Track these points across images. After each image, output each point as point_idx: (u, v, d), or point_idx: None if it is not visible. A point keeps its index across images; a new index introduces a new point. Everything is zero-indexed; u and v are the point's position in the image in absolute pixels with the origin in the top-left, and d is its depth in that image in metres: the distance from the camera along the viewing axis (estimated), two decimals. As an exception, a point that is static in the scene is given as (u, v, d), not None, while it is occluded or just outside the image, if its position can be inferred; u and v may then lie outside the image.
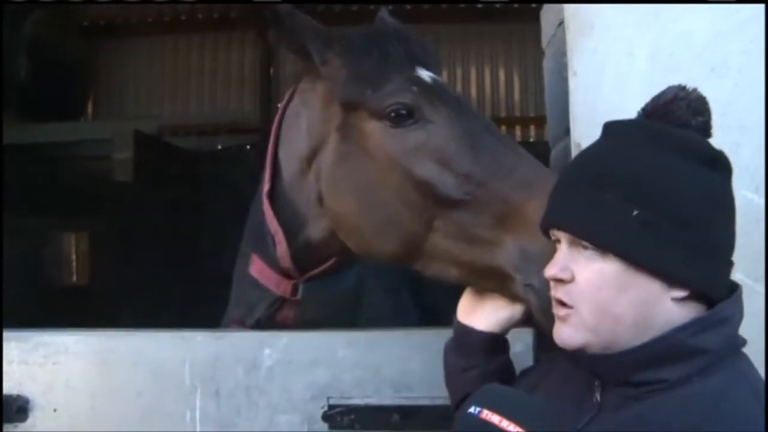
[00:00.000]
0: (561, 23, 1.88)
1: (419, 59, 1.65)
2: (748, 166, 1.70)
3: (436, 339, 1.75)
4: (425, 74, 1.61)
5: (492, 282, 1.46)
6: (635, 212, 1.06)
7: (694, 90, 1.16)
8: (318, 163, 1.68)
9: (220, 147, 8.53)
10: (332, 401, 1.78)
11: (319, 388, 1.79)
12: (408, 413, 1.74)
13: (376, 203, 1.56)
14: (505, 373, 1.49)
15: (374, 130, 1.56)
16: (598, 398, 1.15)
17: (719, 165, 1.11)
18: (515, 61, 8.09)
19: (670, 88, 1.17)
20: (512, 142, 1.57)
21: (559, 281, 1.14)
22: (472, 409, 1.05)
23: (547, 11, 2.14)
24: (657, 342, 1.07)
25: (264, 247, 1.83)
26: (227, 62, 8.49)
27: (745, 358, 1.12)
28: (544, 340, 1.78)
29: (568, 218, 1.14)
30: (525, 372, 1.52)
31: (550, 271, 1.15)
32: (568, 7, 1.83)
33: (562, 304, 1.14)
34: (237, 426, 1.82)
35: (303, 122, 1.73)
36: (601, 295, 1.09)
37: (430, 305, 2.26)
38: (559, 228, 1.16)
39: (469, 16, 7.77)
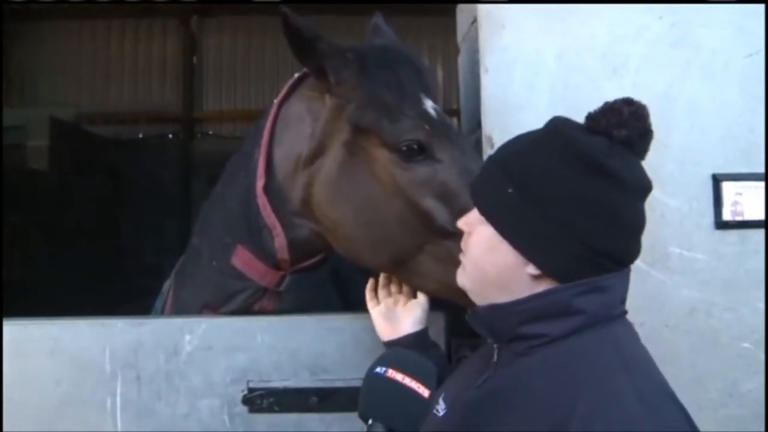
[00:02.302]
0: (474, 21, 1.97)
1: (426, 88, 1.74)
2: (647, 160, 1.83)
3: (350, 323, 1.83)
4: (431, 107, 1.70)
5: (463, 300, 1.57)
6: (509, 190, 1.20)
7: (635, 104, 1.21)
8: (315, 169, 1.74)
9: (141, 136, 8.38)
10: (251, 385, 1.82)
11: (239, 373, 1.83)
12: (325, 395, 1.80)
13: (374, 221, 1.65)
14: (443, 364, 1.64)
15: (384, 158, 1.64)
16: (496, 358, 1.27)
17: (605, 173, 1.16)
18: (439, 55, 8.21)
19: (617, 99, 1.23)
20: None
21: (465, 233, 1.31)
22: (378, 369, 1.15)
23: (462, 9, 2.23)
24: (543, 296, 1.19)
25: (255, 239, 1.86)
26: (149, 49, 8.30)
27: (622, 323, 1.24)
28: (457, 324, 1.88)
29: (472, 186, 1.32)
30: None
31: (458, 222, 1.33)
32: (481, 8, 1.92)
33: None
34: (158, 411, 1.83)
35: (306, 128, 1.77)
36: (476, 250, 1.27)
37: (351, 297, 2.33)
38: (470, 192, 1.33)
39: (394, 10, 7.83)
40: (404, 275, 1.69)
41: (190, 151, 8.24)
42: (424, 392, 1.14)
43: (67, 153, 6.26)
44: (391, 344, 1.63)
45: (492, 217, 1.24)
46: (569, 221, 1.16)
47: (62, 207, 5.91)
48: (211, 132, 8.40)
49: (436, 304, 1.70)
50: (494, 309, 1.25)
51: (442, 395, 1.36)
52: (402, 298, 1.71)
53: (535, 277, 1.20)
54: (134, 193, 7.55)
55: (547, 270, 1.19)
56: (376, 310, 1.70)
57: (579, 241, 1.16)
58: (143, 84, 8.32)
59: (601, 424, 1.05)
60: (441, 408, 1.34)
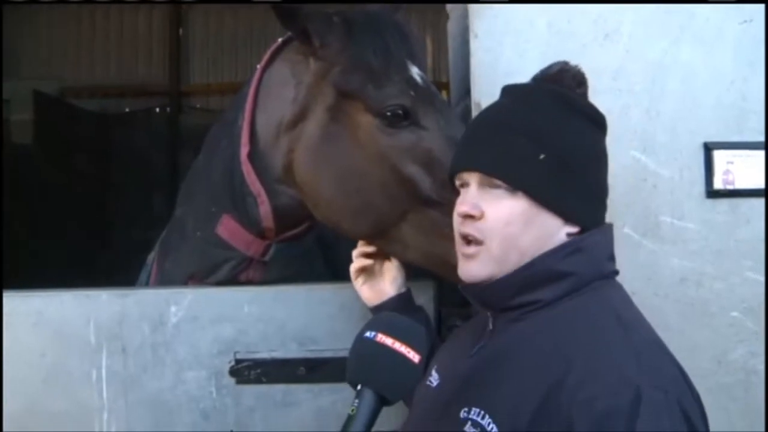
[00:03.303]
0: (464, -14, 1.93)
1: (412, 54, 1.71)
2: (636, 128, 1.82)
3: (338, 293, 1.82)
4: (417, 74, 1.67)
5: (443, 270, 1.57)
6: (542, 156, 1.19)
7: (576, 66, 1.32)
8: (297, 134, 1.71)
9: (127, 110, 8.29)
10: (239, 356, 1.80)
11: (226, 344, 1.81)
12: (313, 366, 1.79)
13: (356, 188, 1.62)
14: (429, 329, 1.63)
15: (368, 124, 1.62)
16: (491, 327, 1.27)
17: (601, 124, 1.28)
18: (428, 26, 8.12)
19: (556, 63, 1.32)
20: None
21: (470, 218, 1.23)
22: (368, 334, 1.13)
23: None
24: (529, 267, 1.20)
25: (240, 208, 1.84)
26: (134, 21, 8.19)
27: (614, 286, 1.25)
28: (445, 293, 1.87)
29: (480, 161, 1.24)
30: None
31: (462, 208, 1.25)
32: (472, -28, 1.88)
33: (471, 241, 1.24)
34: (144, 383, 1.82)
35: (290, 92, 1.74)
36: (508, 230, 1.20)
37: (338, 264, 2.32)
38: (472, 170, 1.25)
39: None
40: (386, 244, 1.66)
41: (177, 125, 8.16)
42: (415, 357, 1.11)
43: (52, 127, 6.18)
44: (377, 309, 1.62)
45: (529, 188, 1.19)
46: (594, 173, 1.24)
47: (46, 180, 5.84)
48: (198, 106, 8.32)
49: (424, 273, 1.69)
50: (486, 285, 1.24)
51: (435, 366, 1.36)
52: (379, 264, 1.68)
53: (571, 235, 1.22)
54: (120, 167, 7.49)
55: (585, 225, 1.22)
56: (360, 278, 1.67)
57: (598, 188, 1.25)
58: (129, 57, 8.21)
59: (597, 384, 1.04)
60: (434, 379, 1.33)
